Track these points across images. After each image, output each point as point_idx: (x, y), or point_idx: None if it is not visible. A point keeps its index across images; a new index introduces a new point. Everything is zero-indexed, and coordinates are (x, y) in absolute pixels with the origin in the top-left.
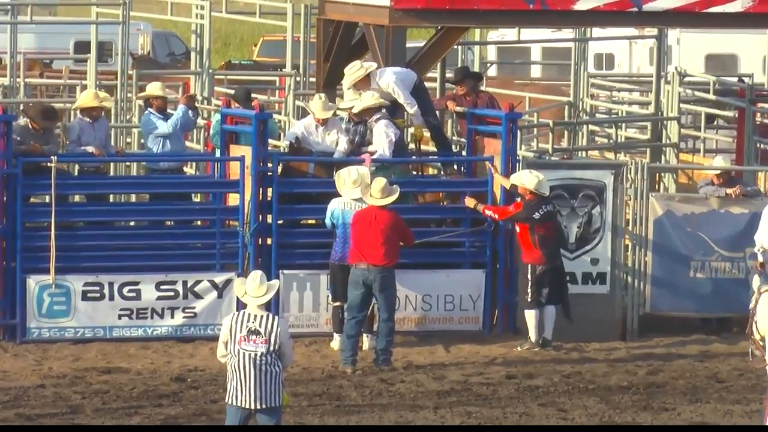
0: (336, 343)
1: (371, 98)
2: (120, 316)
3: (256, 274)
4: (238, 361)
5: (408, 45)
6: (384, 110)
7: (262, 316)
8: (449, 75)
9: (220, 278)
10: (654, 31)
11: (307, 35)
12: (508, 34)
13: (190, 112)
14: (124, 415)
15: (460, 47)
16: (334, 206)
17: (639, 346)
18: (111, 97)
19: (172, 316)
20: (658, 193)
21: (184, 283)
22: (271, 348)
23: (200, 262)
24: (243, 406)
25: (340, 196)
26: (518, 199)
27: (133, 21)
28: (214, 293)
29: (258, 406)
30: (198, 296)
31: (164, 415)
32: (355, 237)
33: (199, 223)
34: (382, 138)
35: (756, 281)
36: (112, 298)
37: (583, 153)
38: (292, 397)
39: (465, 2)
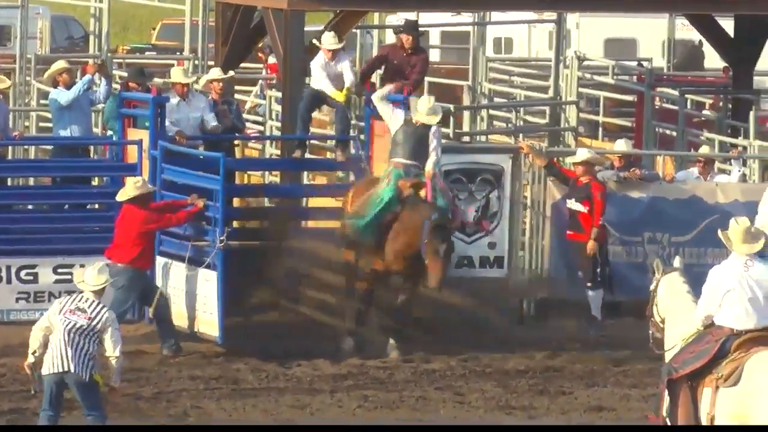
0: None
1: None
2: (17, 300)
3: (97, 265)
4: (57, 330)
5: (306, 29)
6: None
7: (93, 301)
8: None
9: None
10: (553, 16)
11: (205, 19)
12: (407, 17)
13: (104, 80)
14: (22, 399)
15: (358, 31)
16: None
17: (536, 330)
18: (9, 80)
19: None
20: None
21: (82, 266)
22: (92, 324)
23: (98, 245)
24: (55, 371)
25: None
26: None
27: (33, 5)
28: None
29: (68, 368)
30: None
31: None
32: None
33: (96, 206)
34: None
35: (657, 263)
36: (9, 281)
37: (484, 137)
38: (190, 380)
39: None
